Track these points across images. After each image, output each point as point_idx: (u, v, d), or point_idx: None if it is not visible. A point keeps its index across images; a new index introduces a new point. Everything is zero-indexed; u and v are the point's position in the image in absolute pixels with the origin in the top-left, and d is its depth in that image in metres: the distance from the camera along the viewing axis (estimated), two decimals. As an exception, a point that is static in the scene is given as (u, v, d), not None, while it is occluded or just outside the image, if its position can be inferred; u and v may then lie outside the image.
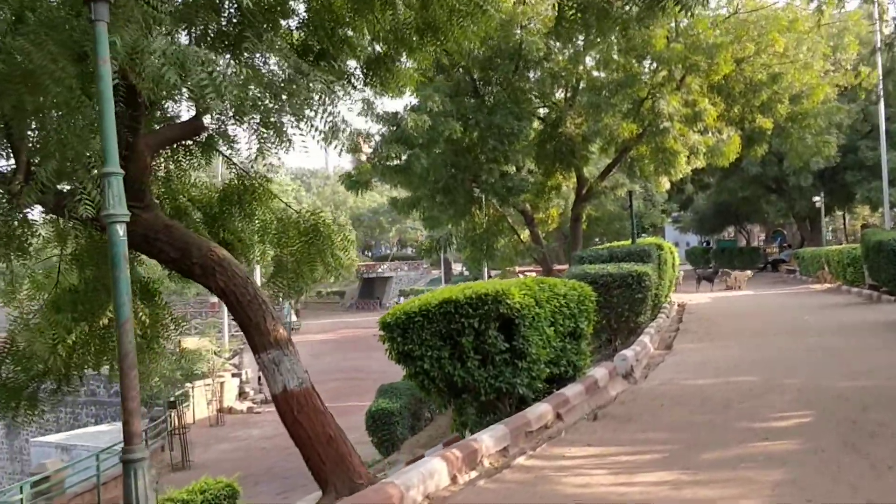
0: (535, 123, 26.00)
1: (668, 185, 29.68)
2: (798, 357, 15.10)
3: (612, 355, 16.32)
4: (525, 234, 26.09)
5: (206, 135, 10.10)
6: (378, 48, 10.60)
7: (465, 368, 10.53)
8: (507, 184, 21.85)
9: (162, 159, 10.13)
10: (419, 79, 10.92)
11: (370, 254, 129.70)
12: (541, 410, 10.05)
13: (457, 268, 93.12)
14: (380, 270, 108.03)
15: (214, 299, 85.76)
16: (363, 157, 21.14)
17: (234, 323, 66.03)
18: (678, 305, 30.06)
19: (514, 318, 10.68)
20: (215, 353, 35.28)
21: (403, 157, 21.10)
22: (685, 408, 10.81)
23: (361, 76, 11.06)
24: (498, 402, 10.94)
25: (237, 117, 9.53)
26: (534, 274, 33.13)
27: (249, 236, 11.02)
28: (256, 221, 11.36)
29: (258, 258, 10.99)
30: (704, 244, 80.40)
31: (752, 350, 16.84)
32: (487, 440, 8.53)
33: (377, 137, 21.12)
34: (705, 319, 24.52)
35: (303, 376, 8.49)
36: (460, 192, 23.06)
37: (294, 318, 76.08)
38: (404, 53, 10.58)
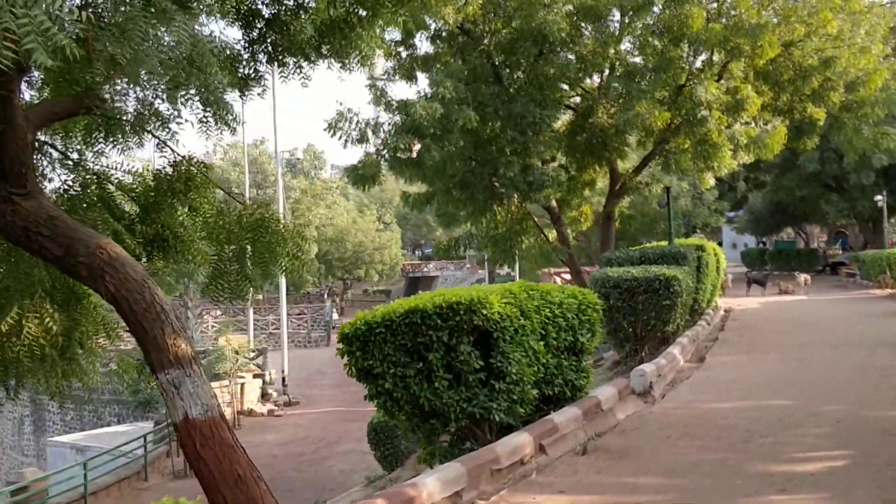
0: (565, 113, 24.27)
1: (712, 181, 27.66)
2: (844, 376, 13.26)
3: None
4: (553, 234, 24.34)
5: (133, 112, 8.66)
6: (333, 12, 9.06)
7: (432, 389, 9.02)
8: (528, 178, 20.15)
9: (70, 137, 8.74)
10: (387, 49, 9.30)
11: (419, 253, 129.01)
12: (516, 442, 8.48)
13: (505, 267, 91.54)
14: (425, 269, 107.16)
15: (260, 296, 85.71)
16: (371, 149, 19.71)
17: (265, 319, 65.20)
18: (724, 311, 28.18)
19: (491, 332, 9.11)
20: (236, 352, 34.12)
21: (414, 149, 19.58)
22: (696, 441, 9.12)
23: (318, 46, 9.53)
24: (476, 429, 9.39)
25: (170, 94, 8.08)
26: (569, 276, 31.37)
27: (190, 232, 9.56)
28: (199, 216, 9.90)
29: (198, 258, 9.53)
30: (761, 245, 77.28)
31: (792, 366, 15.02)
32: (432, 484, 6.98)
33: (386, 127, 19.67)
34: (749, 327, 22.65)
35: (209, 402, 7.00)
36: (479, 186, 21.43)
37: (336, 316, 75.39)
38: (365, 16, 9.03)
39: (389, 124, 19.64)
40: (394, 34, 21.33)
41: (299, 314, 74.41)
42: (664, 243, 24.51)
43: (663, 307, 16.55)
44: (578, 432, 9.89)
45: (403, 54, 21.74)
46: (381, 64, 20.93)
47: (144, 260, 9.92)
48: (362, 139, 19.48)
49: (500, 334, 9.14)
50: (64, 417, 42.76)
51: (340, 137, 19.20)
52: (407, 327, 9.04)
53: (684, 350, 17.64)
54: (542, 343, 9.87)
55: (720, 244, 59.74)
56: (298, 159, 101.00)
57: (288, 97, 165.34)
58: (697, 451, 8.55)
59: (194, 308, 60.73)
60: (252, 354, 38.63)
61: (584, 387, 11.11)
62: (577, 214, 26.28)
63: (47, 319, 8.48)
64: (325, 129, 19.36)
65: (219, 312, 69.54)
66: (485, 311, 8.96)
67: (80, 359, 9.60)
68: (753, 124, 20.78)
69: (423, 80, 21.67)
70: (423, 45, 22.81)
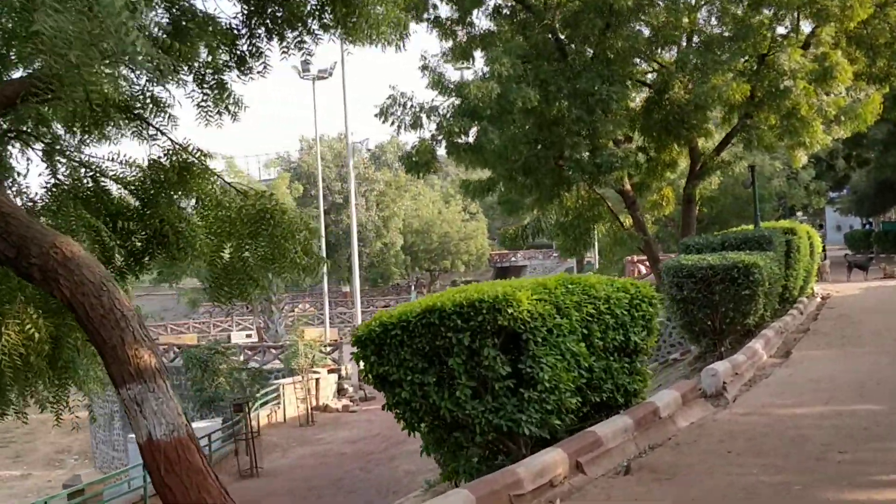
0: (640, 91, 22.78)
1: (805, 159, 25.74)
2: (949, 376, 11.66)
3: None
4: (629, 220, 22.92)
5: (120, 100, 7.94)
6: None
7: (454, 399, 8.04)
8: (597, 160, 18.82)
9: (48, 126, 8.07)
10: (404, 20, 8.32)
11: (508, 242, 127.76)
12: (544, 461, 7.39)
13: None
14: (513, 259, 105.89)
15: (347, 288, 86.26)
16: (427, 135, 18.76)
17: (350, 312, 65.06)
18: (821, 298, 26.24)
19: (520, 333, 8.06)
20: (309, 347, 33.74)
21: (472, 133, 18.53)
22: (760, 458, 7.87)
23: (322, 20, 8.62)
24: (509, 443, 8.36)
25: (162, 77, 7.37)
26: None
27: (191, 227, 8.79)
28: (201, 208, 9.13)
29: (202, 254, 8.76)
30: (866, 227, 73.12)
31: (889, 362, 13.40)
32: (428, 518, 5.97)
33: (441, 111, 18.65)
34: (845, 317, 20.81)
35: (175, 421, 6.19)
36: (545, 171, 20.18)
37: (421, 307, 74.81)
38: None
39: (444, 107, 18.63)
40: (445, 10, 20.31)
41: (385, 306, 74.37)
42: (778, 223, 22.76)
43: (742, 297, 15.12)
44: (628, 445, 8.72)
45: (460, 33, 20.67)
46: (438, 45, 19.97)
47: (147, 258, 9.22)
48: (416, 124, 18.54)
49: (531, 336, 8.09)
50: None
51: (393, 123, 18.34)
52: (424, 329, 8.09)
53: (768, 344, 16.15)
54: (583, 344, 8.75)
55: (821, 226, 56.91)
56: (381, 150, 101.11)
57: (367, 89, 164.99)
58: (759, 471, 7.31)
59: (278, 302, 61.24)
60: (328, 349, 38.36)
61: (639, 391, 9.95)
62: (658, 198, 24.77)
63: (29, 326, 7.80)
64: (375, 115, 18.50)
65: (307, 305, 69.98)
66: (511, 310, 7.92)
67: (78, 367, 8.96)
68: (845, 94, 18.94)
69: (481, 60, 20.34)
70: (482, 23, 21.65)
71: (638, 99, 22.95)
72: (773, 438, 8.62)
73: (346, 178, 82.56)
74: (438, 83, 18.54)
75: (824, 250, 47.16)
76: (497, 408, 8.01)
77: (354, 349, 8.63)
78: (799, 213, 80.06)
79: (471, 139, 18.99)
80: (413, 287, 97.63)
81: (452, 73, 21.08)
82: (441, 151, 19.75)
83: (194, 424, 31.06)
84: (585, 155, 18.89)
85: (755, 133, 19.55)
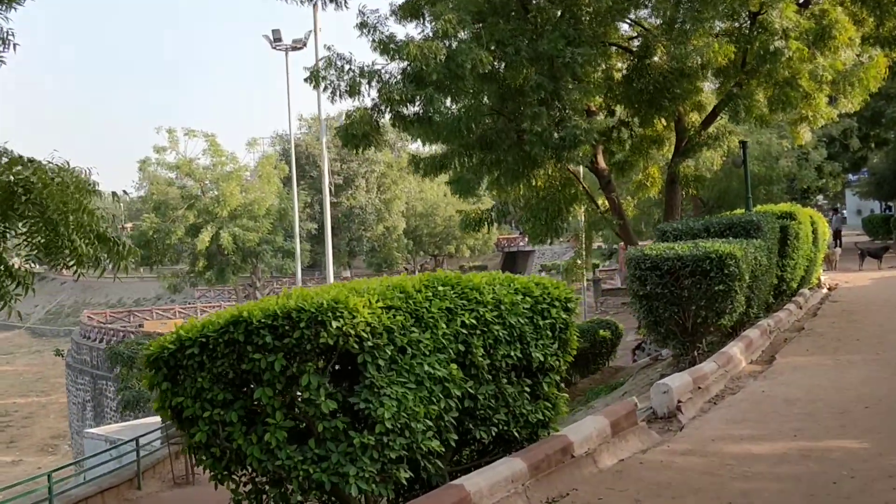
0: (622, 58, 20.45)
1: (808, 136, 23.40)
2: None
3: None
4: (604, 201, 20.67)
5: None
6: None
7: (262, 445, 5.90)
8: (560, 132, 16.55)
9: None
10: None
11: (520, 227, 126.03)
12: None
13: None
14: (521, 244, 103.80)
15: (348, 273, 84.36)
16: (368, 103, 16.56)
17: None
18: (827, 289, 24.00)
19: (356, 354, 5.96)
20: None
21: (418, 102, 16.32)
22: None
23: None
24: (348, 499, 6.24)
25: None
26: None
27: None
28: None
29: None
30: (886, 211, 70.11)
31: (888, 376, 11.20)
32: None
33: (385, 76, 16.45)
34: (847, 313, 18.61)
35: None
36: (507, 146, 17.92)
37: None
38: None
39: (388, 72, 16.41)
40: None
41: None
42: (775, 206, 20.44)
43: (716, 294, 12.89)
44: (516, 501, 6.60)
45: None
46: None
47: None
48: (353, 91, 16.32)
49: (370, 358, 5.98)
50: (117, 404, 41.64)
51: (326, 90, 16.12)
52: (227, 347, 5.98)
53: (750, 347, 13.99)
54: (454, 365, 6.61)
55: (835, 210, 54.24)
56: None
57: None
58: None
59: (262, 288, 59.38)
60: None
61: (550, 421, 7.80)
62: (644, 178, 22.48)
63: None
64: (305, 80, 16.33)
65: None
66: (339, 323, 5.80)
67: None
68: (849, 56, 16.55)
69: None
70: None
71: (622, 66, 20.64)
72: (709, 493, 6.46)
73: (345, 158, 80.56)
74: (381, 44, 16.33)
75: (839, 236, 44.94)
76: (320, 457, 5.89)
77: (145, 371, 6.52)
78: (819, 197, 77.23)
79: (419, 108, 16.78)
80: (417, 272, 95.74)
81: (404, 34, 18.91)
82: (387, 122, 17.54)
83: (136, 421, 29.26)
84: (546, 126, 16.55)
85: (742, 104, 17.16)
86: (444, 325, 6.57)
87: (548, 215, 19.79)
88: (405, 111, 16.88)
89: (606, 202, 20.85)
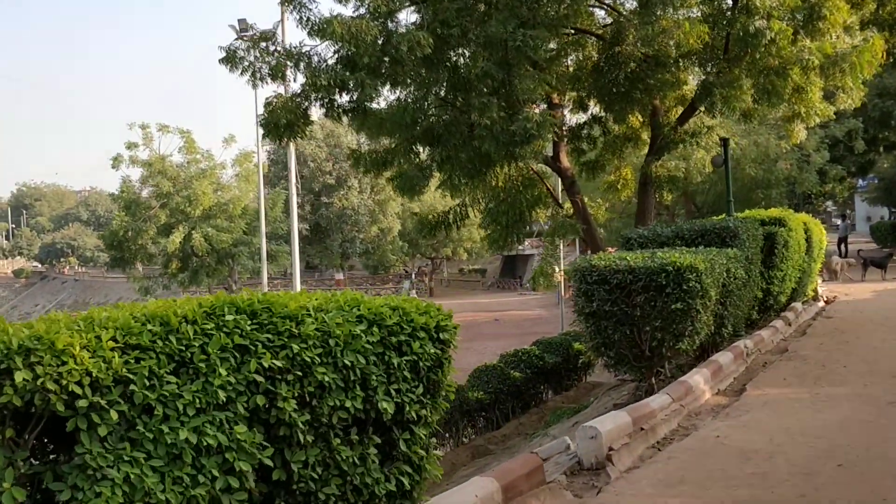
0: (591, 46, 18.63)
1: (803, 135, 21.55)
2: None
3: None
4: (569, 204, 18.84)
5: None
6: None
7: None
8: (510, 126, 14.68)
9: None
10: None
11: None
12: None
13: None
14: (520, 248, 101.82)
15: (341, 275, 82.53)
16: (296, 88, 14.77)
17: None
18: (824, 301, 22.21)
19: (66, 418, 4.16)
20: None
21: (352, 89, 14.48)
22: None
23: None
24: None
25: None
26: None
27: None
28: None
29: None
30: (894, 218, 67.95)
31: (873, 418, 9.34)
32: None
33: (315, 58, 14.63)
34: (839, 333, 16.82)
35: None
36: (458, 142, 16.03)
37: (414, 296, 71.41)
38: None
39: (316, 54, 14.59)
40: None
41: (375, 296, 71.12)
42: (762, 212, 18.59)
43: (673, 313, 11.03)
44: None
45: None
46: None
47: None
48: (276, 74, 14.50)
49: (83, 424, 4.26)
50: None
51: (243, 72, 14.32)
52: None
53: (718, 374, 12.18)
54: (242, 427, 4.79)
55: (843, 217, 52.20)
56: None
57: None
58: None
59: (238, 291, 57.25)
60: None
61: (409, 491, 5.98)
62: (615, 178, 20.64)
63: None
64: (220, 61, 14.49)
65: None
66: (29, 375, 4.03)
67: None
68: (833, 38, 14.69)
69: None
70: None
71: (595, 55, 18.82)
72: None
73: (337, 157, 78.66)
74: (307, 23, 14.51)
75: (845, 244, 42.93)
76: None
77: None
78: (828, 203, 75.00)
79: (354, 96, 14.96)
80: (413, 275, 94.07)
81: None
82: (318, 112, 15.77)
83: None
84: (497, 119, 14.69)
85: (718, 93, 15.27)
86: (224, 372, 4.74)
87: (508, 219, 17.94)
88: (339, 99, 15.07)
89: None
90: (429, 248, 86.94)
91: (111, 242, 50.87)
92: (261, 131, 16.16)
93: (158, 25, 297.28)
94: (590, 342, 12.20)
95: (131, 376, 4.34)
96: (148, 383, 4.40)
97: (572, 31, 17.08)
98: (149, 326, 4.56)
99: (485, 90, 15.15)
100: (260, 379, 4.90)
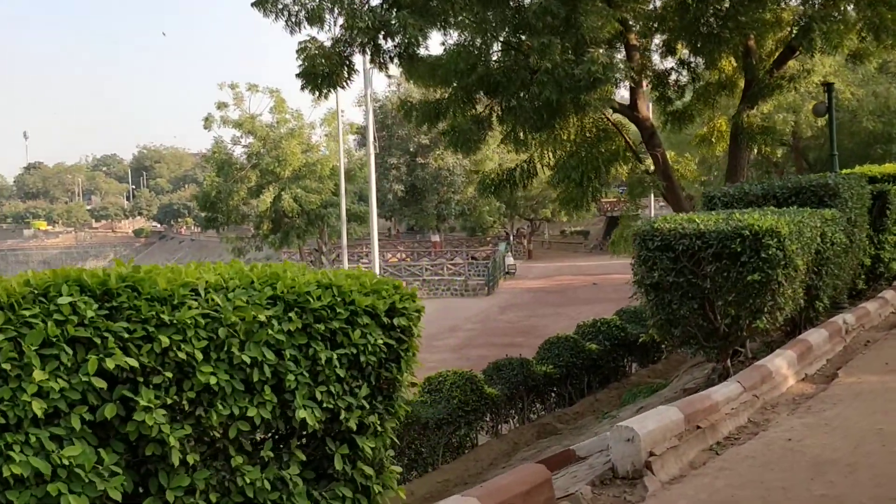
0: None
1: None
2: None
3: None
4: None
5: None
6: None
7: None
8: (573, 70, 12.97)
9: None
10: None
11: (623, 189, 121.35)
12: None
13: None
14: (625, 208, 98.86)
15: (437, 237, 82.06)
16: (336, 33, 13.46)
17: (437, 262, 60.72)
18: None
19: None
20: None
21: (394, 31, 13.03)
22: None
23: None
24: None
25: None
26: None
27: None
28: None
29: None
30: None
31: None
32: None
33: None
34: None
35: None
36: (517, 88, 14.41)
37: (511, 260, 70.26)
38: None
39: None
40: None
41: (471, 259, 70.56)
42: (874, 168, 16.46)
43: (749, 285, 9.32)
44: None
45: None
46: None
47: None
48: (315, 18, 13.20)
49: None
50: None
51: (278, 17, 13.10)
52: None
53: (806, 357, 10.36)
54: (88, 445, 3.58)
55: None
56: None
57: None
58: None
59: (329, 253, 57.06)
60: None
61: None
62: (708, 131, 18.67)
63: None
64: (252, 5, 13.25)
65: (364, 259, 65.53)
66: None
67: None
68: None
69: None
70: None
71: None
72: None
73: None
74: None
75: None
76: None
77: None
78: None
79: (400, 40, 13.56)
80: (510, 237, 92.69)
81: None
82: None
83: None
84: (560, 62, 13.02)
85: (818, 28, 13.17)
86: (45, 375, 3.51)
87: (582, 175, 16.26)
88: (384, 44, 13.70)
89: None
90: (528, 209, 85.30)
91: (204, 203, 51.24)
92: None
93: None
94: (652, 318, 10.59)
95: None
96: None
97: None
98: None
99: (545, 29, 13.50)
100: (100, 384, 3.66)
